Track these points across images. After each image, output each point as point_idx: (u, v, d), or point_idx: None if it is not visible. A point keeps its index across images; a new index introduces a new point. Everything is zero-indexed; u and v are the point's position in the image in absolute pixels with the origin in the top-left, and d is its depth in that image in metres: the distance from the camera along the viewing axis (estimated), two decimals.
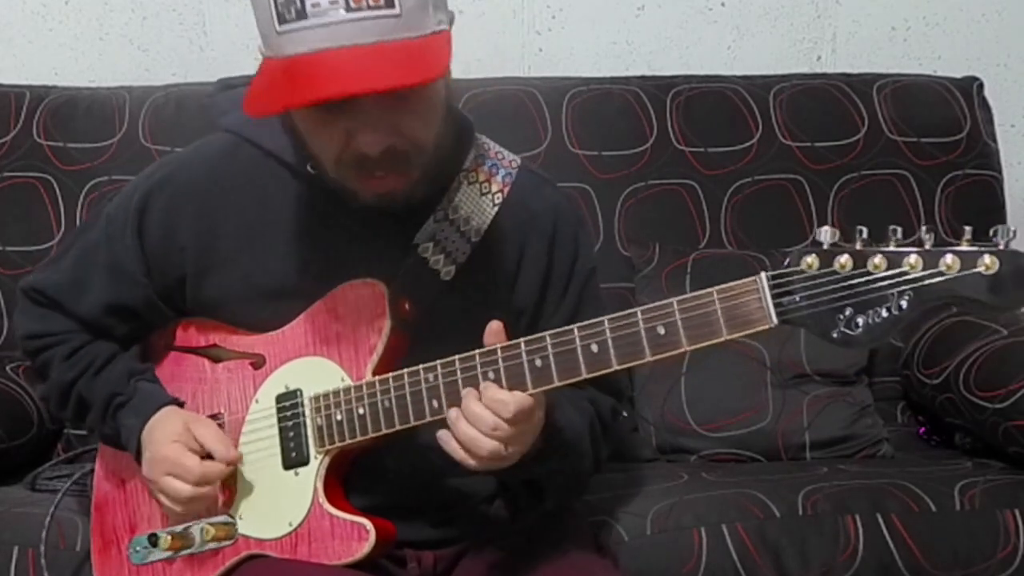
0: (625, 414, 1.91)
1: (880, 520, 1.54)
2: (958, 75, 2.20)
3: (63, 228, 2.05)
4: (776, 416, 1.88)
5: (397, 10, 1.07)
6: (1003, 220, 2.13)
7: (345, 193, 1.22)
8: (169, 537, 1.30)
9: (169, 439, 1.28)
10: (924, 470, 1.70)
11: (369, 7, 1.07)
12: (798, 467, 1.78)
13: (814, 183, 2.10)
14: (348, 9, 1.06)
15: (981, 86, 2.18)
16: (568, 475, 1.30)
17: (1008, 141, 2.26)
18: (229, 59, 2.25)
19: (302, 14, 1.07)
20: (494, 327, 1.15)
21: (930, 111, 2.14)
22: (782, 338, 1.91)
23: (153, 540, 1.32)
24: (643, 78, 2.18)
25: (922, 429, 2.01)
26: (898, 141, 2.12)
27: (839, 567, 1.52)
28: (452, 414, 1.15)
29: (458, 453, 1.14)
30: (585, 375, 1.11)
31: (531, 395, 1.13)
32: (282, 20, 1.08)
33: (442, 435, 1.16)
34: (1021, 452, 1.68)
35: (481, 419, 1.12)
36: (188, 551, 1.31)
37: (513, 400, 1.11)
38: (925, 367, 1.94)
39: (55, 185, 2.07)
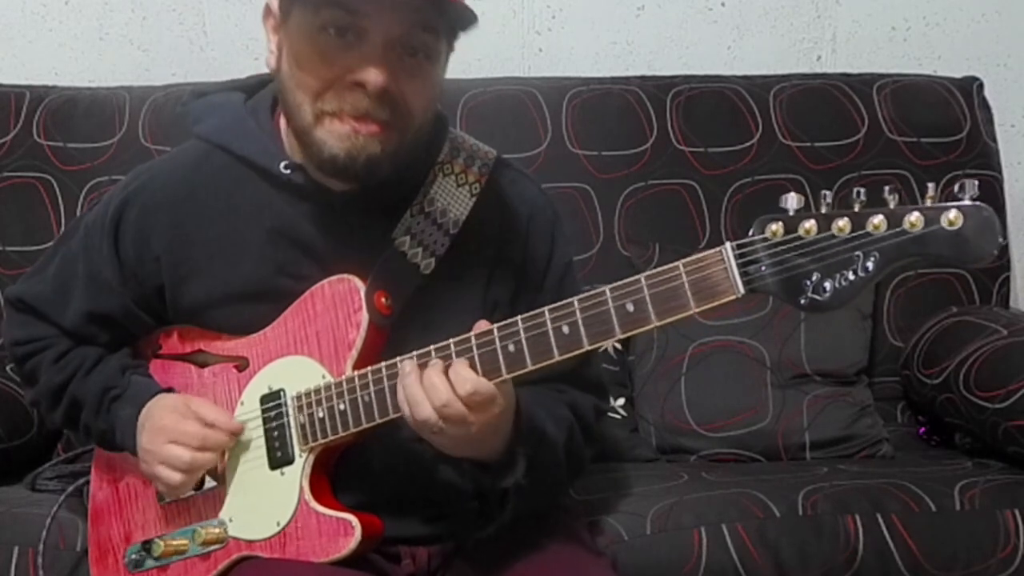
0: (624, 413, 1.91)
1: (880, 520, 1.54)
2: (958, 75, 2.20)
3: (63, 228, 2.04)
4: (776, 416, 1.88)
5: None
6: (1003, 220, 2.14)
7: (310, 147, 1.21)
8: (163, 544, 1.32)
9: (167, 411, 1.29)
10: (924, 470, 1.71)
11: None
12: (798, 467, 1.78)
13: (814, 183, 2.10)
14: None
15: (981, 86, 2.18)
16: (536, 485, 1.28)
17: (1008, 141, 2.27)
18: (229, 59, 2.25)
19: None
20: (482, 326, 1.15)
21: (930, 111, 2.14)
22: (782, 338, 1.91)
23: (147, 547, 1.34)
24: (643, 78, 2.18)
25: (922, 429, 2.01)
26: (898, 141, 2.12)
27: (839, 567, 1.51)
28: (406, 367, 1.14)
29: (403, 406, 1.14)
30: (558, 357, 1.11)
31: (499, 383, 1.12)
32: None
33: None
34: (1021, 452, 1.68)
35: (436, 390, 1.11)
36: (182, 557, 1.32)
37: (473, 380, 1.11)
38: (925, 367, 1.94)
39: (55, 185, 2.07)
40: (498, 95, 2.11)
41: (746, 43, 2.32)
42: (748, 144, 2.11)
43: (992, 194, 2.13)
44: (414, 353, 1.17)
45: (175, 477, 1.28)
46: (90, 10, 2.28)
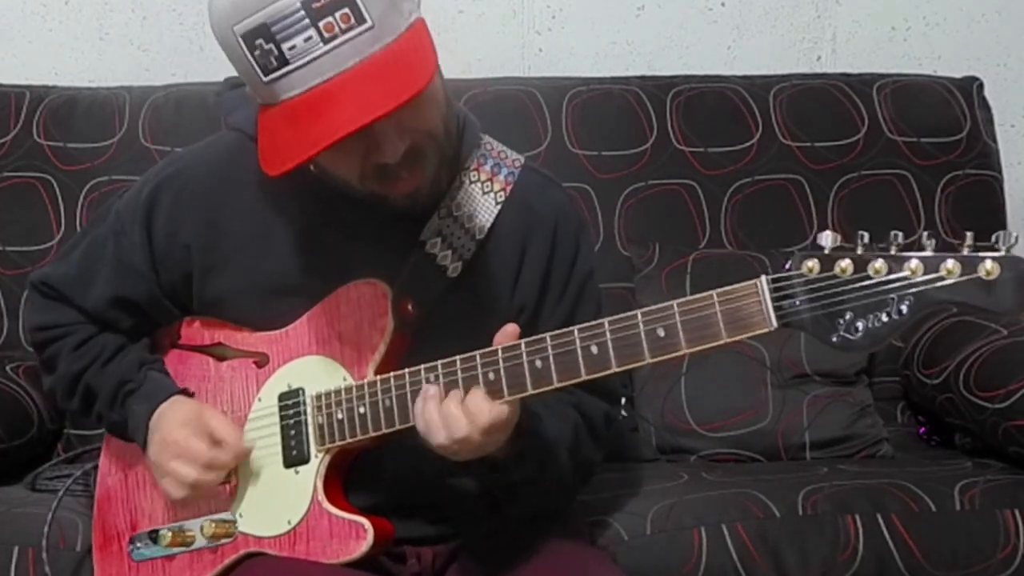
0: (624, 414, 1.91)
1: (880, 520, 1.54)
2: (958, 75, 2.20)
3: (63, 228, 2.05)
4: (776, 416, 1.88)
5: (369, 22, 1.09)
6: (1003, 220, 2.13)
7: (377, 200, 1.23)
8: (170, 534, 1.31)
9: (179, 424, 1.29)
10: (924, 470, 1.71)
11: (343, 31, 1.08)
12: (798, 467, 1.78)
13: (814, 183, 2.10)
14: (324, 41, 1.08)
15: (981, 86, 2.18)
16: (540, 485, 1.29)
17: (1008, 141, 2.27)
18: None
19: (283, 60, 1.09)
20: (509, 330, 1.16)
21: (930, 111, 2.14)
22: (782, 338, 1.91)
23: (154, 536, 1.34)
24: (643, 78, 2.18)
25: (922, 429, 2.02)
26: (898, 141, 2.12)
27: (839, 567, 1.52)
28: (430, 390, 1.15)
29: (418, 424, 1.16)
30: (585, 376, 1.11)
31: (507, 403, 1.13)
32: (267, 72, 1.11)
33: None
34: (1021, 452, 1.68)
35: (456, 423, 1.12)
36: (188, 548, 1.32)
37: (488, 414, 1.12)
38: (925, 367, 1.94)
39: (55, 185, 2.07)
40: (498, 95, 2.11)
41: (746, 43, 2.32)
42: (748, 144, 2.11)
43: (992, 194, 2.13)
44: (438, 362, 1.17)
45: (179, 493, 1.29)
46: (90, 10, 2.28)
